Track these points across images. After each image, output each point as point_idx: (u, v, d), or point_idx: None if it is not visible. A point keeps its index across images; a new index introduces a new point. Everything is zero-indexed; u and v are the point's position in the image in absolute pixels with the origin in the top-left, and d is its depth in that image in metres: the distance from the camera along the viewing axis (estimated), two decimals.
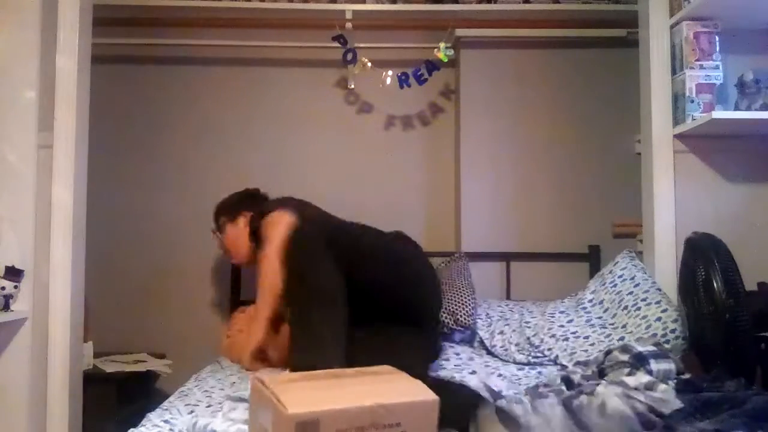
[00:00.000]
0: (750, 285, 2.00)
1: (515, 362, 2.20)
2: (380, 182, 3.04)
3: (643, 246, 2.55)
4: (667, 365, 1.71)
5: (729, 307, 1.84)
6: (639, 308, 2.18)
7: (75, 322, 2.24)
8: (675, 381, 1.65)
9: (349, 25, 2.89)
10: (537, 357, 2.19)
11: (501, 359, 2.24)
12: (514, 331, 2.32)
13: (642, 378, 1.57)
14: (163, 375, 2.70)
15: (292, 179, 2.94)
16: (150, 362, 2.72)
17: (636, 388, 1.46)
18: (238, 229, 2.44)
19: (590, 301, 2.37)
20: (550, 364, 2.14)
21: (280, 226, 2.05)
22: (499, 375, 2.00)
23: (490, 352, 2.31)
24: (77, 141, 2.25)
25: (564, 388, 1.57)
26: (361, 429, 1.02)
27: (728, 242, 1.97)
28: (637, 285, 2.27)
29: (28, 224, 2.12)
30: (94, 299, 2.58)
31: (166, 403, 1.74)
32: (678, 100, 2.33)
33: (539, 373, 2.06)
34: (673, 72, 2.36)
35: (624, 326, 2.18)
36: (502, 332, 2.35)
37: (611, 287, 2.34)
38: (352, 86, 3.04)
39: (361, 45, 2.90)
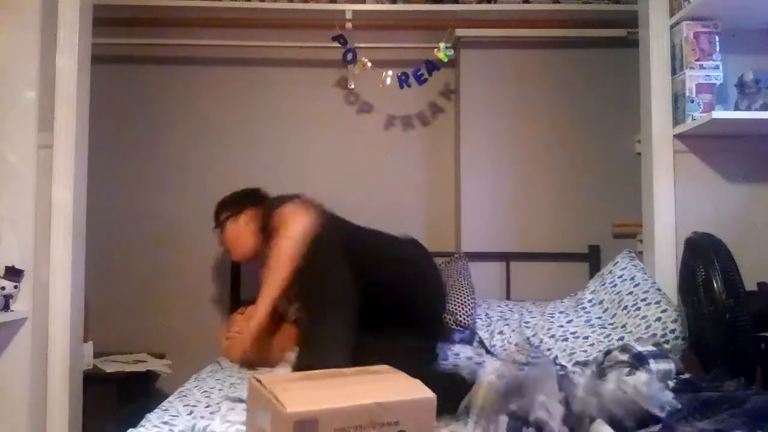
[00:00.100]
0: (750, 285, 2.00)
1: (514, 362, 2.20)
2: (380, 182, 3.04)
3: (643, 246, 2.55)
4: (667, 365, 1.71)
5: (729, 307, 1.84)
6: (639, 308, 2.18)
7: (75, 322, 2.24)
8: (675, 381, 1.65)
9: (349, 25, 2.89)
10: (536, 357, 2.19)
11: (500, 359, 2.24)
12: (513, 331, 2.32)
13: (641, 378, 1.57)
14: (163, 375, 2.70)
15: (292, 179, 2.94)
16: (150, 362, 2.72)
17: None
18: (242, 225, 2.43)
19: (590, 301, 2.37)
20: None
21: (296, 220, 2.04)
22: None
23: (489, 352, 2.31)
24: (77, 141, 2.25)
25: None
26: (359, 428, 1.02)
27: (728, 242, 1.97)
28: (636, 285, 2.27)
29: (28, 224, 2.12)
30: (94, 299, 2.58)
31: (165, 404, 1.73)
32: (678, 100, 2.33)
33: None
34: (673, 72, 2.36)
35: (623, 326, 2.18)
36: (501, 332, 2.35)
37: (611, 287, 2.34)
38: (352, 86, 3.05)
39: (361, 45, 2.91)
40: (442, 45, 2.80)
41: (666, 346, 1.98)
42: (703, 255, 1.97)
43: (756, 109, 2.17)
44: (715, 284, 1.88)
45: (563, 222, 2.93)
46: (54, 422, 2.15)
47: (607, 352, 1.86)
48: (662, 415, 1.35)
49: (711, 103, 2.24)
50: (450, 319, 2.37)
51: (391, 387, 1.13)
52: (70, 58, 2.23)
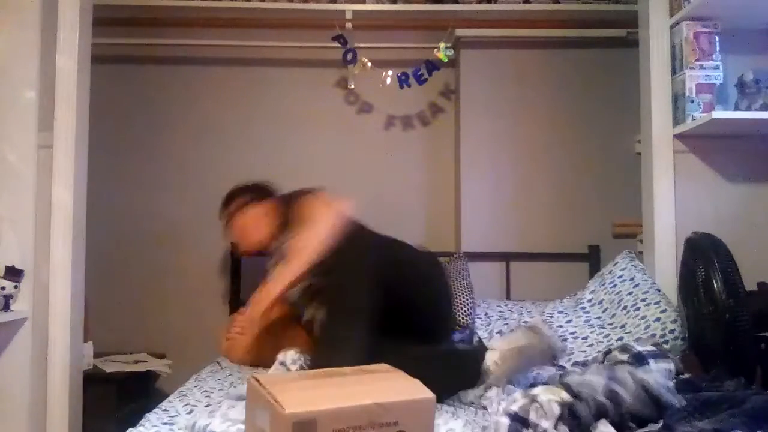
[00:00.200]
0: (750, 285, 2.00)
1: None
2: (380, 182, 3.04)
3: (643, 246, 2.55)
4: (667, 365, 1.71)
5: (729, 307, 1.84)
6: (638, 308, 2.18)
7: (75, 322, 2.24)
8: (674, 381, 1.65)
9: (349, 25, 2.89)
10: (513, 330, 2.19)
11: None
12: (512, 331, 2.32)
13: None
14: (163, 375, 2.70)
15: (292, 179, 2.92)
16: (150, 362, 2.72)
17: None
18: (260, 214, 2.37)
19: (589, 301, 2.37)
20: (548, 365, 2.14)
21: (327, 216, 2.04)
22: None
23: None
24: (77, 141, 2.24)
25: None
26: (358, 428, 1.02)
27: (728, 242, 1.97)
28: (636, 285, 2.27)
29: (28, 224, 2.12)
30: (94, 299, 2.58)
31: (165, 403, 1.73)
32: (678, 100, 2.33)
33: (537, 373, 2.05)
34: (673, 72, 2.36)
35: (623, 326, 2.18)
36: (500, 332, 2.34)
37: (611, 287, 2.34)
38: (352, 86, 3.05)
39: (361, 45, 2.91)
40: (442, 45, 2.80)
41: (665, 346, 1.98)
42: (703, 255, 1.97)
43: (756, 109, 2.17)
44: (715, 284, 1.88)
45: (563, 222, 2.93)
46: (54, 422, 2.15)
47: (607, 352, 1.86)
48: (677, 405, 1.36)
49: (711, 103, 2.24)
50: None
51: (390, 387, 1.13)
52: (70, 58, 2.23)
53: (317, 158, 3.04)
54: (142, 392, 2.71)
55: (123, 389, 2.53)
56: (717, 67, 2.26)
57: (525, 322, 2.35)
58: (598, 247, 2.88)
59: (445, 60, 2.81)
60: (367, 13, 2.97)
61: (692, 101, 2.24)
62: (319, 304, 2.01)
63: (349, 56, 2.84)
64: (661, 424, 1.34)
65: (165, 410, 1.64)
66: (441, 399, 1.57)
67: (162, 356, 2.82)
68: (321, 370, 1.31)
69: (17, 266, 2.07)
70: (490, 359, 1.67)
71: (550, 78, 2.97)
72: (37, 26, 2.14)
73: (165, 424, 1.51)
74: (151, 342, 2.90)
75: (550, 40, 2.97)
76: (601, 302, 2.34)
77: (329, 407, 1.03)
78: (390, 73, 2.84)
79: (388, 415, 1.05)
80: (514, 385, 1.67)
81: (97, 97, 2.39)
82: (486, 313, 2.49)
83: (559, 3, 3.01)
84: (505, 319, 2.43)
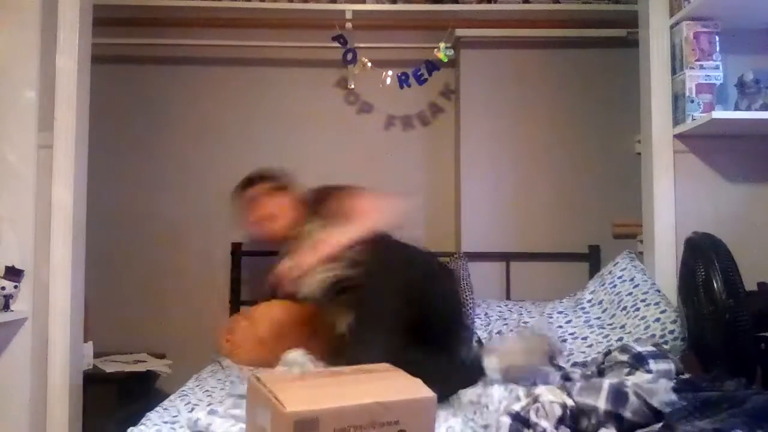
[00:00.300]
0: (750, 285, 2.00)
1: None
2: (380, 182, 3.03)
3: (643, 246, 2.55)
4: (667, 365, 1.71)
5: (729, 307, 1.84)
6: (638, 309, 2.18)
7: (75, 322, 2.24)
8: (675, 381, 1.65)
9: (349, 25, 2.89)
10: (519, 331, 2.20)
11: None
12: (512, 331, 2.32)
13: (642, 377, 1.57)
14: (163, 375, 2.69)
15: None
16: (150, 362, 2.72)
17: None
18: (289, 200, 2.35)
19: (589, 301, 2.37)
20: (547, 364, 2.14)
21: (370, 213, 2.06)
22: None
23: None
24: (77, 141, 2.25)
25: None
26: (359, 427, 1.02)
27: (728, 242, 1.97)
28: (636, 286, 2.27)
29: (28, 224, 2.12)
30: (94, 299, 2.58)
31: (166, 403, 1.74)
32: (678, 100, 2.33)
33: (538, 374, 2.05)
34: (673, 72, 2.36)
35: (622, 327, 2.18)
36: (500, 332, 2.34)
37: (611, 288, 2.34)
38: (352, 86, 3.04)
39: (361, 45, 2.91)
40: (442, 45, 2.80)
41: (665, 346, 1.98)
42: (703, 255, 1.97)
43: (756, 109, 2.17)
44: (715, 284, 1.88)
45: (563, 222, 2.93)
46: (54, 422, 2.15)
47: (607, 353, 1.86)
48: (666, 411, 1.35)
49: (711, 103, 2.24)
50: None
51: (391, 386, 1.13)
52: (70, 58, 2.23)
53: (317, 158, 3.03)
54: (142, 392, 2.70)
55: (123, 389, 2.53)
56: (717, 67, 2.26)
57: (525, 322, 2.36)
58: (598, 247, 2.88)
59: (445, 60, 2.81)
60: (367, 13, 2.97)
61: (692, 101, 2.24)
62: (346, 307, 2.00)
63: (349, 56, 2.84)
64: (661, 423, 1.34)
65: (166, 409, 1.64)
66: (440, 399, 1.58)
67: (162, 356, 2.81)
68: (322, 370, 1.31)
69: (17, 266, 2.07)
70: (490, 361, 1.67)
71: (550, 78, 2.97)
72: (37, 26, 2.14)
73: (166, 422, 1.51)
74: (151, 342, 2.90)
75: (550, 40, 2.97)
76: (600, 302, 2.34)
77: (330, 406, 1.03)
78: (390, 73, 2.84)
79: (389, 414, 1.05)
80: (517, 383, 1.67)
81: (97, 97, 2.39)
82: (486, 314, 2.49)
83: (559, 3, 3.01)
84: (505, 319, 2.43)
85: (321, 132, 3.05)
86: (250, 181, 2.43)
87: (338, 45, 2.83)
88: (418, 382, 1.14)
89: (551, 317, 2.32)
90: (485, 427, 1.37)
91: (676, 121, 2.34)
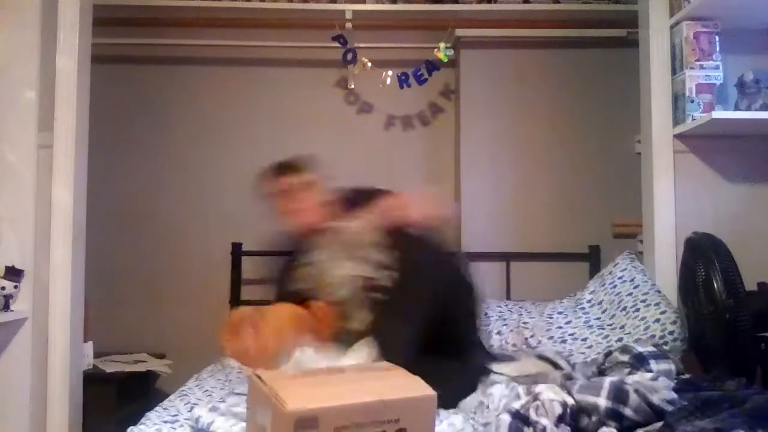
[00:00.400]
0: (750, 285, 2.00)
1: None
2: (380, 182, 3.02)
3: (643, 246, 2.55)
4: (667, 366, 1.70)
5: (729, 307, 1.84)
6: (638, 309, 2.18)
7: (75, 322, 2.23)
8: (675, 381, 1.65)
9: (349, 25, 2.89)
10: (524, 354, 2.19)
11: None
12: (511, 331, 2.32)
13: (646, 375, 1.57)
14: (163, 375, 2.69)
15: None
16: (150, 362, 2.72)
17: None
18: (322, 194, 2.25)
19: (589, 301, 2.37)
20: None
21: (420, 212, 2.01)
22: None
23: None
24: (77, 141, 2.24)
25: None
26: (360, 425, 1.02)
27: (728, 242, 1.97)
28: (636, 287, 2.27)
29: (28, 224, 2.12)
30: (94, 299, 2.58)
31: (166, 402, 1.74)
32: (678, 100, 2.33)
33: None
34: (673, 72, 2.36)
35: (622, 327, 2.17)
36: (499, 332, 2.34)
37: (611, 288, 2.34)
38: (352, 86, 3.05)
39: (361, 45, 2.91)
40: (442, 45, 2.81)
41: (665, 347, 1.98)
42: (703, 255, 1.96)
43: (756, 109, 2.17)
44: (715, 284, 1.88)
45: (563, 222, 2.93)
46: (54, 422, 2.15)
47: (608, 354, 1.86)
48: (668, 409, 1.35)
49: (711, 103, 2.23)
50: None
51: (392, 384, 1.13)
52: (70, 58, 2.23)
53: (317, 158, 3.02)
54: (142, 392, 2.70)
55: (123, 389, 2.53)
56: (717, 67, 2.25)
57: (525, 323, 2.35)
58: (598, 247, 2.88)
59: (445, 60, 2.81)
60: (367, 13, 2.97)
61: (692, 101, 2.24)
62: (369, 309, 1.96)
63: (349, 56, 2.84)
64: (661, 423, 1.34)
65: (166, 409, 1.64)
66: (449, 406, 1.58)
67: (162, 356, 2.81)
68: (323, 368, 1.31)
69: (17, 266, 2.07)
70: (500, 367, 1.66)
71: (550, 78, 2.98)
72: (37, 26, 2.14)
73: (166, 422, 1.51)
74: (151, 342, 2.90)
75: (550, 40, 2.97)
76: (600, 303, 2.33)
77: (331, 404, 1.02)
78: (390, 73, 2.84)
79: (389, 412, 1.05)
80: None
81: (97, 97, 2.39)
82: (486, 314, 2.49)
83: (559, 3, 3.01)
84: (505, 319, 2.43)
85: (321, 132, 3.05)
86: (286, 169, 2.27)
87: (338, 45, 2.83)
88: (419, 380, 1.14)
89: (551, 317, 2.32)
90: (485, 425, 1.37)
91: (676, 121, 2.34)
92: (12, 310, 2.06)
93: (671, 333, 2.08)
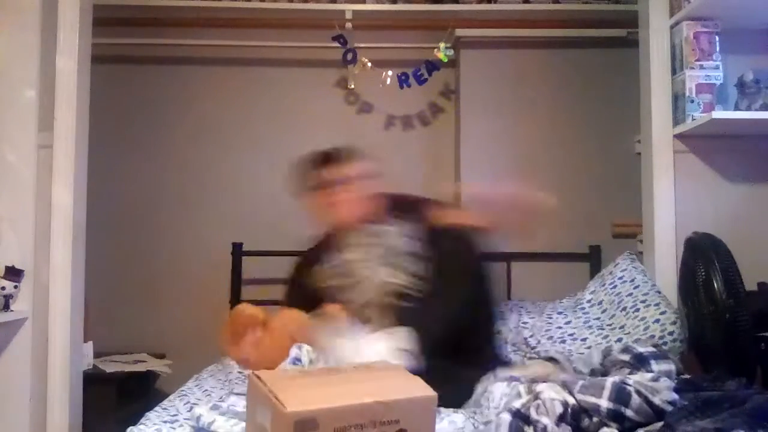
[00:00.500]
0: (750, 285, 1.99)
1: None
2: (380, 182, 3.03)
3: (643, 246, 2.55)
4: (668, 366, 1.70)
5: (729, 307, 1.84)
6: (638, 310, 2.18)
7: (75, 322, 2.23)
8: (675, 381, 1.65)
9: (349, 25, 2.89)
10: (533, 358, 2.18)
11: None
12: (511, 331, 2.32)
13: (644, 376, 1.57)
14: (163, 375, 2.70)
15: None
16: (150, 362, 2.72)
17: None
18: (373, 195, 2.10)
19: (589, 301, 2.37)
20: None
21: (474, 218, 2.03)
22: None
23: None
24: (77, 141, 2.24)
25: None
26: (359, 426, 1.02)
27: (728, 242, 1.97)
28: (636, 287, 2.27)
29: (28, 224, 2.12)
30: (94, 299, 2.58)
31: (165, 402, 1.74)
32: (678, 100, 2.33)
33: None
34: (673, 72, 2.36)
35: (622, 327, 2.17)
36: (499, 332, 2.34)
37: (611, 288, 2.34)
38: (352, 86, 3.05)
39: (361, 45, 2.91)
40: (442, 45, 2.80)
41: (664, 347, 1.98)
42: (703, 255, 1.96)
43: (756, 109, 2.17)
44: (715, 284, 1.88)
45: (563, 222, 2.92)
46: (54, 422, 2.15)
47: (607, 354, 1.85)
48: (669, 409, 1.35)
49: (711, 103, 2.23)
50: None
51: (391, 385, 1.13)
52: (70, 59, 2.22)
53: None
54: (142, 392, 2.70)
55: (123, 389, 2.53)
56: (717, 67, 2.25)
57: (524, 323, 2.35)
58: (598, 247, 2.88)
59: (445, 60, 2.81)
60: (367, 13, 2.97)
61: (692, 101, 2.24)
62: (394, 315, 1.90)
63: (349, 56, 2.84)
64: (662, 423, 1.34)
65: (165, 409, 1.64)
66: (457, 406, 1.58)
67: (162, 356, 2.82)
68: (322, 368, 1.31)
69: (17, 266, 2.07)
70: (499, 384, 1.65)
71: (550, 78, 2.97)
72: (37, 27, 2.14)
73: (166, 422, 1.51)
74: (151, 342, 2.90)
75: (550, 40, 2.97)
76: (600, 303, 2.33)
77: (330, 405, 1.02)
78: (390, 73, 2.84)
79: (389, 413, 1.05)
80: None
81: (97, 97, 2.39)
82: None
83: (559, 3, 3.01)
84: (504, 319, 2.43)
85: (321, 132, 3.05)
86: (331, 159, 2.08)
87: (338, 45, 2.83)
88: (419, 380, 1.14)
89: (551, 317, 2.32)
90: (486, 423, 1.37)
91: (676, 121, 2.34)
92: (12, 310, 2.06)
93: (671, 333, 2.08)
